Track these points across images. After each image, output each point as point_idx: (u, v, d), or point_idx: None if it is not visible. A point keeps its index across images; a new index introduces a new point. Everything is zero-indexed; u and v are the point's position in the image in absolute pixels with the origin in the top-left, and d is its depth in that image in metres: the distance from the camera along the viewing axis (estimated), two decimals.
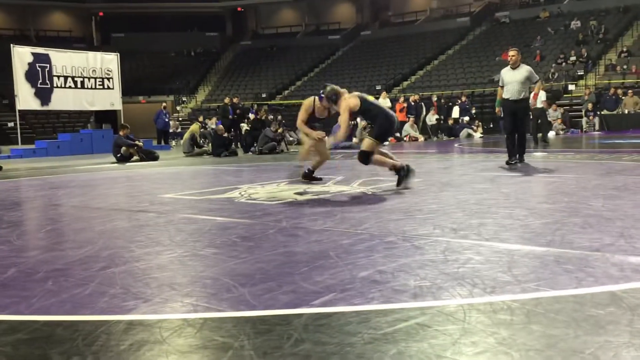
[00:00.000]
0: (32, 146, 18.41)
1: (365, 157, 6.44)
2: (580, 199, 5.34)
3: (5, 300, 2.74)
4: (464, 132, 21.33)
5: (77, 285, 2.93)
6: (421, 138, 20.40)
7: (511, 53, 9.10)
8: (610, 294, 2.54)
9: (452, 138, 21.20)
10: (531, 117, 17.55)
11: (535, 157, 11.03)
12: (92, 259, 3.53)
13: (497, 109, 9.75)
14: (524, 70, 8.96)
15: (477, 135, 21.34)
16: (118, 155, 13.76)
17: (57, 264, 3.43)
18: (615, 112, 21.12)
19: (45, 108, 19.23)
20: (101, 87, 19.63)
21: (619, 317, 2.25)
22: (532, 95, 9.03)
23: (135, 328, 2.32)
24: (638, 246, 3.41)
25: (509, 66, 9.07)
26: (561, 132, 20.58)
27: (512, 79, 8.94)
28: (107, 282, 2.98)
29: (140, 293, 2.78)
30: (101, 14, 42.30)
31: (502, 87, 9.13)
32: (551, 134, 20.32)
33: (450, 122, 22.24)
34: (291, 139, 18.59)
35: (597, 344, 2.01)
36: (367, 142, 6.53)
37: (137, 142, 14.07)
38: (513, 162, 9.01)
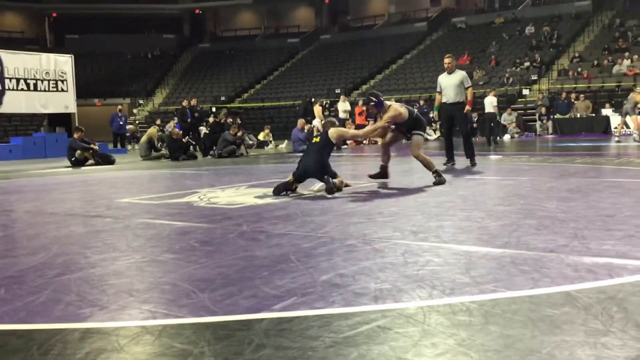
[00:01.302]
0: None
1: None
2: (535, 201, 5.46)
3: None
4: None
5: (31, 293, 2.85)
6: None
7: (446, 60, 9.56)
8: (565, 294, 2.60)
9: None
10: (484, 121, 18.37)
11: (490, 160, 11.24)
12: (46, 265, 3.44)
13: (434, 114, 10.28)
14: (459, 75, 9.43)
15: (432, 138, 21.64)
16: (72, 159, 13.45)
17: (10, 271, 3.33)
18: (567, 116, 21.70)
19: None
20: (55, 89, 19.18)
21: (573, 316, 2.31)
22: (467, 101, 9.36)
23: (92, 336, 2.26)
24: (591, 247, 3.50)
25: (446, 72, 9.52)
26: (516, 136, 21.03)
27: (448, 84, 9.40)
28: (62, 290, 2.90)
29: (97, 300, 2.72)
30: (55, 14, 41.35)
31: (440, 92, 9.55)
32: (506, 137, 20.80)
33: None
34: (251, 142, 18.50)
35: (553, 343, 2.05)
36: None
37: (92, 146, 13.77)
38: (450, 164, 9.43)
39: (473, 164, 9.36)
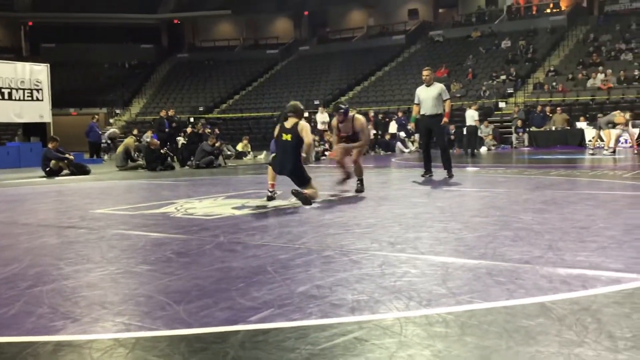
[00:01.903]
0: None
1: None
2: (511, 212, 5.51)
3: None
4: (397, 147, 21.80)
5: (2, 305, 2.79)
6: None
7: (425, 73, 9.67)
8: (539, 305, 2.62)
9: (389, 153, 21.54)
10: (463, 134, 18.64)
11: (467, 171, 11.34)
12: (18, 277, 3.37)
13: (411, 125, 10.50)
14: (437, 87, 9.50)
15: (407, 150, 21.78)
16: (47, 169, 13.25)
17: None
18: (543, 129, 22.00)
19: None
20: (30, 98, 18.92)
21: (548, 327, 2.33)
22: (445, 113, 9.41)
23: (64, 349, 2.22)
24: (566, 258, 3.54)
25: (424, 84, 9.56)
26: (492, 148, 21.26)
27: (426, 96, 9.42)
28: (34, 302, 2.85)
29: (69, 312, 2.67)
30: (30, 23, 40.90)
31: (418, 104, 9.62)
32: (483, 150, 21.00)
33: (387, 137, 22.62)
34: (229, 153, 18.44)
35: (529, 354, 2.06)
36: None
37: (67, 156, 13.59)
38: (427, 176, 9.52)
39: (450, 175, 9.44)
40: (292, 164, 6.62)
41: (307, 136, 6.68)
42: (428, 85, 9.51)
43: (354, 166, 7.75)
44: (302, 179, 6.62)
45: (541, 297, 2.73)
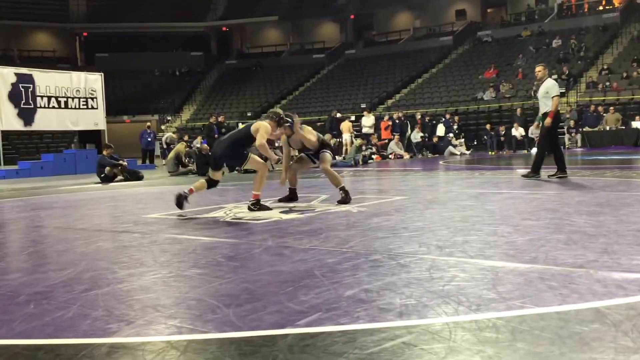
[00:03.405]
0: (15, 167, 18.26)
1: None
2: (564, 215, 5.38)
3: None
4: (447, 150, 21.53)
5: (59, 308, 2.89)
6: (406, 155, 20.51)
7: (538, 68, 9.30)
8: (594, 311, 2.55)
9: (437, 155, 21.33)
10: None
11: (517, 173, 11.11)
12: (74, 281, 3.48)
13: (535, 124, 9.86)
14: (545, 84, 9.14)
15: (459, 152, 21.50)
16: (102, 175, 13.66)
17: (39, 286, 3.38)
18: (596, 129, 21.39)
19: (28, 128, 19.11)
20: (85, 107, 19.55)
21: (603, 333, 2.26)
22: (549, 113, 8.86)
23: (118, 351, 2.28)
24: (621, 262, 3.44)
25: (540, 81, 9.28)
26: None
27: (538, 94, 9.21)
28: (90, 305, 2.94)
29: (123, 315, 2.74)
30: (85, 34, 42.28)
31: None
32: (534, 151, 20.56)
33: (435, 139, 22.40)
34: (277, 157, 18.56)
35: None
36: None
37: (121, 162, 13.98)
38: (558, 176, 9.14)
39: (529, 176, 9.23)
40: (221, 150, 6.64)
41: (259, 138, 6.40)
42: (540, 83, 9.20)
43: (328, 176, 7.04)
44: (236, 161, 6.68)
45: (596, 302, 2.66)
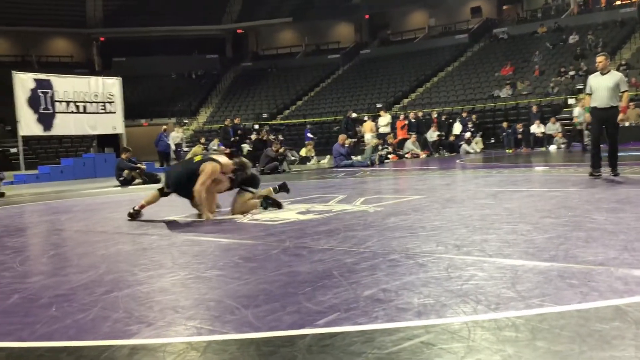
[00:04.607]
0: (35, 171, 18.45)
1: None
2: (583, 212, 5.33)
3: (9, 327, 2.73)
4: (462, 148, 21.45)
5: (81, 311, 2.93)
6: (423, 155, 20.44)
7: (599, 59, 8.63)
8: (615, 308, 2.53)
9: (454, 154, 21.23)
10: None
11: (536, 171, 11.03)
12: (95, 283, 3.52)
13: (586, 115, 9.42)
14: (614, 76, 8.50)
15: (472, 149, 21.36)
16: (121, 178, 13.78)
17: (60, 289, 3.43)
18: None
19: (47, 133, 19.29)
20: (103, 111, 19.72)
21: (624, 331, 2.24)
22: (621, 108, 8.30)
23: (139, 352, 2.31)
24: None
25: (598, 72, 8.60)
26: (562, 146, 20.61)
27: (600, 86, 8.50)
28: (111, 307, 2.97)
29: (144, 317, 2.77)
30: (102, 39, 42.69)
31: (590, 94, 8.72)
32: (552, 148, 20.39)
33: (452, 138, 22.30)
34: (292, 158, 18.63)
35: (603, 359, 1.99)
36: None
37: (139, 165, 14.10)
38: (597, 174, 8.58)
39: (615, 173, 8.62)
40: (174, 180, 6.49)
41: (200, 180, 6.18)
42: (603, 74, 8.50)
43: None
44: (185, 194, 6.48)
45: (616, 300, 2.63)
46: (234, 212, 6.55)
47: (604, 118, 8.54)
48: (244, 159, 6.97)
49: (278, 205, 6.81)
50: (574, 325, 2.34)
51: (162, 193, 6.63)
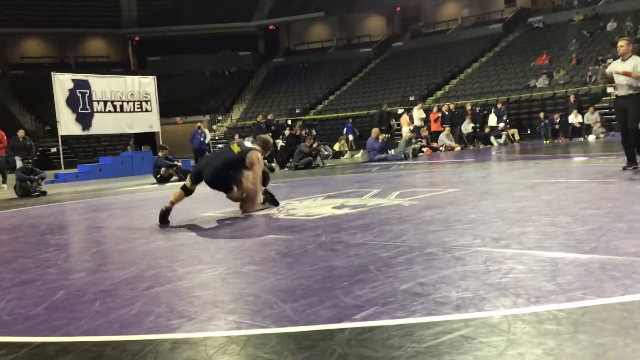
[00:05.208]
0: (75, 170, 18.88)
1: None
2: (625, 204, 5.22)
3: (55, 322, 2.81)
4: (491, 140, 21.21)
5: (124, 306, 2.99)
6: (457, 147, 20.24)
7: (620, 43, 8.14)
8: None
9: (489, 146, 20.96)
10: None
11: (575, 162, 10.83)
12: (136, 279, 3.60)
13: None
14: (634, 61, 7.86)
15: (496, 143, 21.04)
16: (158, 176, 14.00)
17: (103, 285, 3.51)
18: None
19: (86, 133, 19.72)
20: (139, 110, 20.04)
21: None
22: None
23: (181, 346, 2.35)
24: None
25: (620, 59, 8.10)
26: (601, 136, 20.18)
27: (619, 70, 7.98)
28: (152, 302, 3.03)
29: (185, 311, 2.82)
30: (137, 38, 43.32)
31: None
32: (591, 138, 19.97)
33: (487, 129, 22.02)
34: (326, 153, 18.65)
35: None
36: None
37: (176, 163, 14.31)
38: (631, 168, 8.01)
39: (631, 166, 8.07)
40: (211, 173, 6.36)
41: (254, 173, 6.17)
42: (624, 59, 7.96)
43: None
44: (223, 188, 6.40)
45: None
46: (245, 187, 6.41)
47: (624, 105, 7.99)
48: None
49: (274, 202, 6.77)
50: (617, 318, 2.30)
51: (187, 191, 6.49)
